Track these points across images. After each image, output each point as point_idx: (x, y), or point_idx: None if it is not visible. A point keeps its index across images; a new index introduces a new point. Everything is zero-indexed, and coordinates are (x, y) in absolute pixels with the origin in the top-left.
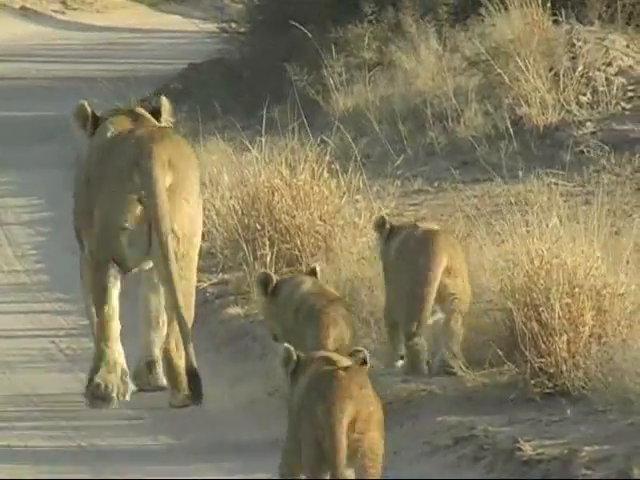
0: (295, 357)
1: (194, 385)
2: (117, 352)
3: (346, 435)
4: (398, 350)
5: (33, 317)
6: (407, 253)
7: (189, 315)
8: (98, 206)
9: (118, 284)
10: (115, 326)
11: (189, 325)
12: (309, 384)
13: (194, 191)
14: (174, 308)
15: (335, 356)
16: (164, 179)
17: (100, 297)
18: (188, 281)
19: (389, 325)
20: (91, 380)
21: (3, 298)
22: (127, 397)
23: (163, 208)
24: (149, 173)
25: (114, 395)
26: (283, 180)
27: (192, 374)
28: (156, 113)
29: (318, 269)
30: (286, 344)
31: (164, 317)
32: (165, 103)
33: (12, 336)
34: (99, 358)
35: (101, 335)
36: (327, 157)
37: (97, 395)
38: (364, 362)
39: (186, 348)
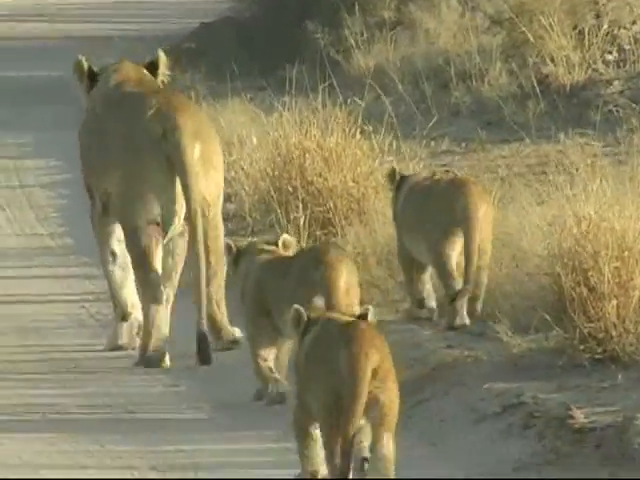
0: (305, 317)
1: (202, 349)
2: (165, 320)
3: (368, 383)
4: (417, 294)
5: (61, 282)
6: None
7: (221, 269)
8: (124, 170)
9: (160, 247)
10: (161, 292)
11: (222, 278)
12: (327, 334)
13: (220, 157)
14: (199, 275)
15: (342, 315)
16: (193, 151)
17: (142, 263)
18: (220, 238)
19: (404, 269)
20: (144, 348)
21: (28, 262)
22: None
23: (194, 183)
24: (179, 147)
25: (163, 362)
26: (314, 142)
27: (201, 338)
28: (152, 67)
29: (285, 239)
30: (296, 305)
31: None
32: (162, 57)
33: (41, 301)
34: (148, 325)
35: (148, 304)
36: (359, 118)
37: (149, 361)
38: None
39: (200, 311)
